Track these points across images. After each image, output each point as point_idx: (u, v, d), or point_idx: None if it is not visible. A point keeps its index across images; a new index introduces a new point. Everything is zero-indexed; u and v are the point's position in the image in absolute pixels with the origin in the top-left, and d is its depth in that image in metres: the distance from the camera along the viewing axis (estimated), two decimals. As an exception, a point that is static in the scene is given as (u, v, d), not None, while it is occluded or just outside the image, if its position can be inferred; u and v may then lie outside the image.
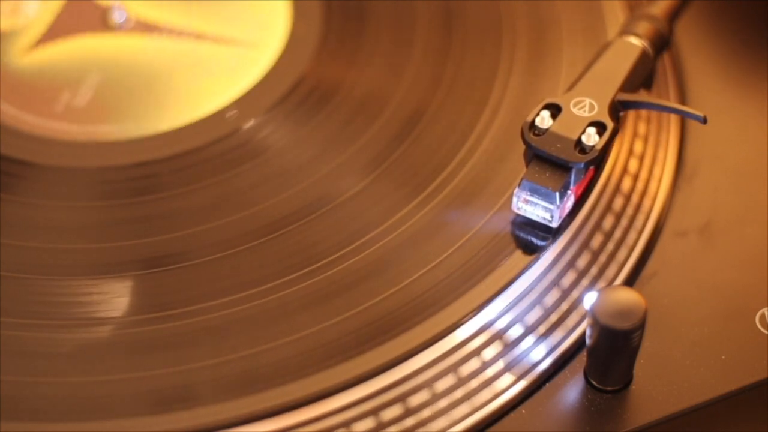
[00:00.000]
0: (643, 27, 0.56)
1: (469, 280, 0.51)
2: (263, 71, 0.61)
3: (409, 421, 0.48)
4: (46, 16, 0.65)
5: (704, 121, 0.53)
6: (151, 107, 0.60)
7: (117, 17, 0.64)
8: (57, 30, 0.64)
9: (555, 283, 0.51)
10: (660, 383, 0.50)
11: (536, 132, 0.52)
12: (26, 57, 0.63)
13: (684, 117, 0.57)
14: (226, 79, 0.61)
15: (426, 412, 0.49)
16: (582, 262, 0.52)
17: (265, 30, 0.63)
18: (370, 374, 0.48)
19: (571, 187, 0.51)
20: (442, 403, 0.49)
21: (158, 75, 0.62)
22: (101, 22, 0.64)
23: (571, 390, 0.50)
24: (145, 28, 0.64)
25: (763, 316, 0.52)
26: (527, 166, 0.51)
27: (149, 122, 0.60)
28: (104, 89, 0.62)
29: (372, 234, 0.53)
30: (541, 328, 0.51)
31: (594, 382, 0.50)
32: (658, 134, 0.57)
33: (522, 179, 0.51)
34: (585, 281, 0.52)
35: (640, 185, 0.55)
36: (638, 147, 0.56)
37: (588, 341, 0.48)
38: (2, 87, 0.61)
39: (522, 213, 0.52)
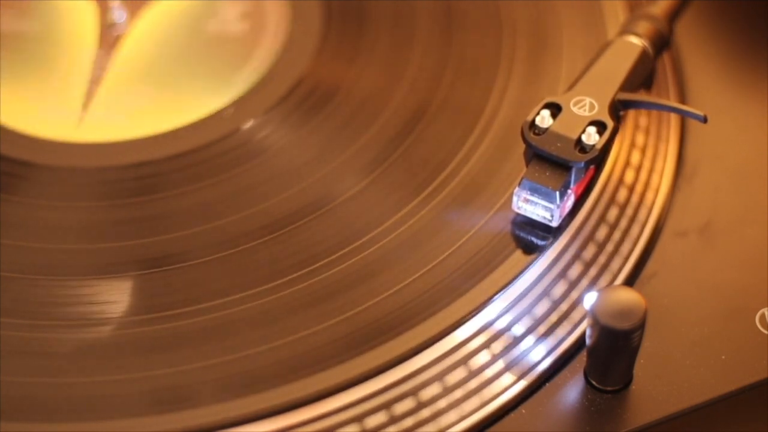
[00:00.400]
0: (643, 26, 0.56)
1: (469, 279, 0.51)
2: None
3: (409, 422, 0.48)
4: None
5: (704, 120, 0.53)
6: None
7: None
8: None
9: (555, 283, 0.51)
10: (660, 383, 0.50)
11: (536, 131, 0.52)
12: None
13: (684, 116, 0.57)
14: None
15: (426, 412, 0.49)
16: (581, 262, 0.52)
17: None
18: (369, 375, 0.48)
19: (572, 186, 0.51)
20: (442, 403, 0.49)
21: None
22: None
23: (571, 390, 0.50)
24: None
25: (763, 316, 0.52)
26: (527, 165, 0.51)
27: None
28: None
29: (372, 234, 0.53)
30: (541, 328, 0.51)
31: (594, 382, 0.50)
32: (658, 134, 0.57)
33: (522, 178, 0.51)
34: (585, 281, 0.52)
35: (640, 185, 0.55)
36: (638, 147, 0.56)
37: (588, 341, 0.48)
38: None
39: (522, 212, 0.52)
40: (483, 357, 0.50)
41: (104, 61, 0.62)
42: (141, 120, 0.60)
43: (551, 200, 0.51)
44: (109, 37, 0.63)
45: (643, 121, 0.57)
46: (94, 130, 0.59)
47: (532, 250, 0.51)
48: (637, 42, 0.55)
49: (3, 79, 0.61)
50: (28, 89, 0.61)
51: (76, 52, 0.63)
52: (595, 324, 0.47)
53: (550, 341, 0.51)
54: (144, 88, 0.62)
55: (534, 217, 0.52)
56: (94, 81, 0.62)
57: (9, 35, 0.63)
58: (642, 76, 0.55)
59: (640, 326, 0.47)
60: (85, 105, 0.61)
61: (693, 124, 0.58)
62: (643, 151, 0.56)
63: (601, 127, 0.52)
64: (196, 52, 0.63)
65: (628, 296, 0.47)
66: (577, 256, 0.52)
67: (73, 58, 0.63)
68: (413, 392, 0.48)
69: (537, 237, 0.52)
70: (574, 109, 0.52)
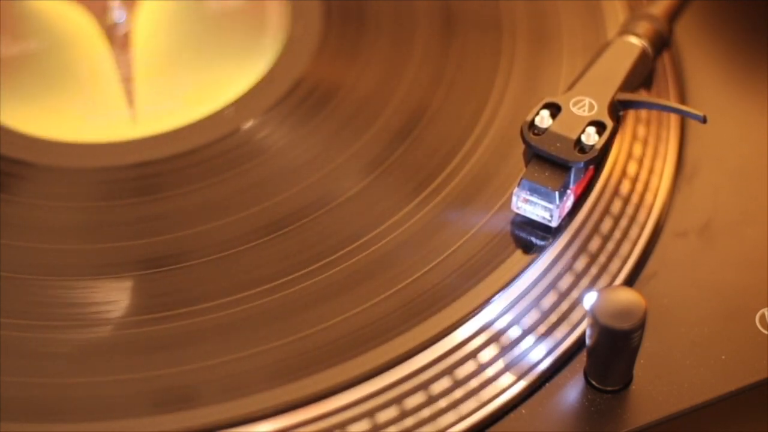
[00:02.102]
0: (643, 27, 0.56)
1: (468, 280, 0.51)
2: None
3: (409, 422, 0.48)
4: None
5: (704, 120, 0.53)
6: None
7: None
8: None
9: (555, 282, 0.51)
10: (660, 383, 0.50)
11: (536, 131, 0.52)
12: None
13: (684, 117, 0.57)
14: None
15: (426, 412, 0.49)
16: (582, 261, 0.52)
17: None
18: (369, 375, 0.48)
19: (571, 186, 0.51)
20: (442, 403, 0.49)
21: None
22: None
23: (571, 390, 0.50)
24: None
25: (763, 316, 0.52)
26: (527, 165, 0.51)
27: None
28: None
29: (372, 234, 0.53)
30: (541, 328, 0.51)
31: (594, 382, 0.50)
32: (658, 134, 0.57)
33: (521, 179, 0.51)
34: (585, 281, 0.52)
35: (640, 185, 0.55)
36: (638, 147, 0.56)
37: (588, 341, 0.48)
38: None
39: (521, 212, 0.52)
40: (483, 357, 0.50)
41: (125, 59, 0.63)
42: (190, 101, 0.60)
43: (550, 200, 0.51)
44: (116, 37, 0.64)
45: (642, 121, 0.57)
46: (151, 123, 0.59)
47: (531, 251, 0.51)
48: (636, 42, 0.55)
49: (32, 98, 0.61)
50: (64, 103, 0.61)
51: (91, 58, 0.63)
52: (595, 324, 0.47)
53: (550, 341, 0.51)
54: (179, 72, 0.62)
55: (533, 217, 0.52)
56: (126, 79, 0.62)
57: (16, 58, 0.63)
58: (641, 76, 0.55)
59: (640, 326, 0.47)
60: (131, 102, 0.61)
61: (693, 125, 0.58)
62: (643, 151, 0.56)
63: (600, 127, 0.52)
64: (209, 30, 0.63)
65: (628, 296, 0.47)
66: (576, 257, 0.52)
67: (92, 65, 0.63)
68: (413, 392, 0.48)
69: (536, 237, 0.52)
70: (574, 110, 0.52)
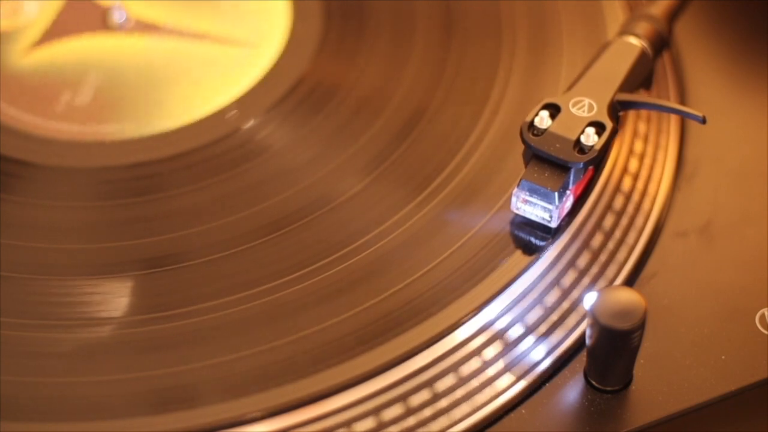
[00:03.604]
0: (643, 27, 0.56)
1: (469, 280, 0.51)
2: (263, 71, 0.61)
3: (410, 421, 0.48)
4: (47, 16, 0.65)
5: (703, 121, 0.53)
6: (151, 107, 0.60)
7: (117, 17, 0.64)
8: (57, 30, 0.64)
9: (555, 283, 0.51)
10: (660, 383, 0.50)
11: (535, 132, 0.52)
12: (26, 57, 0.63)
13: (683, 117, 0.57)
14: (226, 79, 0.61)
15: (427, 412, 0.49)
16: (582, 262, 0.52)
17: (265, 30, 0.63)
18: (370, 374, 0.48)
19: (570, 187, 0.51)
20: (443, 402, 0.49)
21: (158, 75, 0.62)
22: (101, 23, 0.64)
23: (571, 390, 0.50)
24: (145, 28, 0.64)
25: (763, 316, 0.52)
26: (526, 166, 0.51)
27: (149, 122, 0.60)
28: (104, 89, 0.62)
29: (372, 234, 0.53)
30: (541, 328, 0.51)
31: (594, 383, 0.50)
32: (658, 134, 0.57)
33: (521, 179, 0.51)
34: (585, 281, 0.52)
35: (640, 185, 0.55)
36: (638, 147, 0.56)
37: (588, 341, 0.48)
38: (2, 87, 0.61)
39: (521, 213, 0.52)
40: (483, 357, 0.50)
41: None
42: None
43: (550, 201, 0.51)
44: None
45: (642, 121, 0.57)
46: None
47: (531, 251, 0.51)
48: (636, 42, 0.55)
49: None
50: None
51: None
52: (595, 324, 0.47)
53: (550, 341, 0.51)
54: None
55: (533, 217, 0.52)
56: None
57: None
58: (641, 76, 0.55)
59: (640, 326, 0.47)
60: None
61: (693, 125, 0.58)
62: (643, 151, 0.56)
63: (600, 127, 0.52)
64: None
65: (628, 296, 0.47)
66: (576, 257, 0.52)
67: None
68: (413, 392, 0.48)
69: (536, 237, 0.52)
70: (573, 110, 0.52)
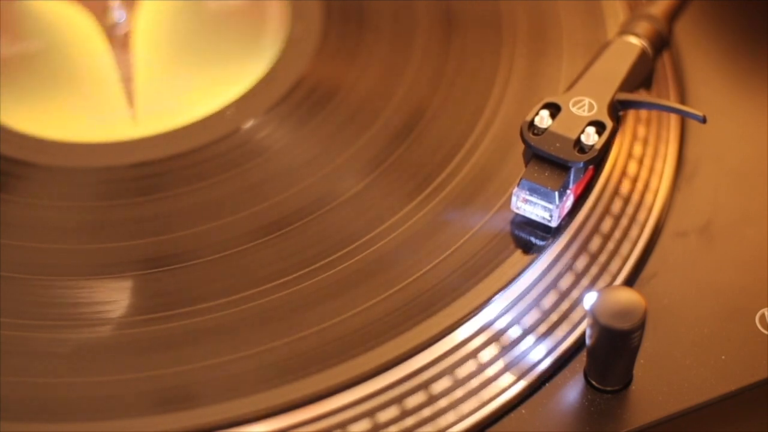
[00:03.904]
0: (643, 27, 0.56)
1: (468, 280, 0.51)
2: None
3: (409, 421, 0.48)
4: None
5: (703, 120, 0.53)
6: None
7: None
8: None
9: (555, 282, 0.51)
10: (660, 383, 0.50)
11: (535, 131, 0.52)
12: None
13: (684, 117, 0.57)
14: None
15: (426, 412, 0.49)
16: (582, 261, 0.52)
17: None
18: (370, 374, 0.48)
19: (571, 186, 0.51)
20: (443, 402, 0.49)
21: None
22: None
23: (571, 390, 0.50)
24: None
25: (763, 316, 0.52)
26: (526, 165, 0.51)
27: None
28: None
29: (372, 234, 0.53)
30: (541, 328, 0.51)
31: (594, 383, 0.50)
32: (658, 134, 0.57)
33: (521, 179, 0.51)
34: (585, 281, 0.52)
35: (640, 185, 0.55)
36: (638, 147, 0.56)
37: (588, 341, 0.48)
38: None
39: (521, 212, 0.52)
40: (483, 357, 0.50)
41: (125, 59, 0.63)
42: (190, 101, 0.60)
43: (550, 200, 0.51)
44: (116, 37, 0.64)
45: (642, 121, 0.57)
46: (151, 123, 0.59)
47: (531, 251, 0.51)
48: (636, 42, 0.55)
49: (33, 98, 0.61)
50: (64, 103, 0.61)
51: (91, 58, 0.63)
52: (595, 324, 0.47)
53: (550, 341, 0.51)
54: (178, 72, 0.62)
55: (533, 217, 0.52)
56: (126, 79, 0.62)
57: (16, 58, 0.63)
58: (641, 76, 0.55)
59: (640, 326, 0.47)
60: (131, 102, 0.61)
61: (693, 124, 0.58)
62: (643, 151, 0.56)
63: (600, 127, 0.52)
64: (209, 30, 0.63)
65: (628, 296, 0.47)
66: (576, 257, 0.52)
67: (92, 65, 0.63)
68: (413, 392, 0.48)
69: (536, 237, 0.52)
70: (573, 110, 0.52)
